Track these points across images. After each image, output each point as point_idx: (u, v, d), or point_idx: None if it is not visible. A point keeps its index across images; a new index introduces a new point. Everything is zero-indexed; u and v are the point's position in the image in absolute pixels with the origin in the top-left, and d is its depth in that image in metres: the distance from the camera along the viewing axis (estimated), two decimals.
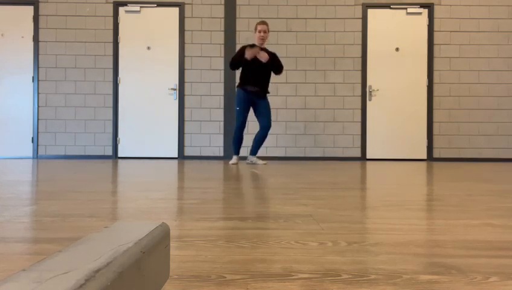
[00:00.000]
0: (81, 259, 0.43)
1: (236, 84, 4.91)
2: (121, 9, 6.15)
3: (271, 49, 6.08)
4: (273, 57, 4.68)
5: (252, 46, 4.57)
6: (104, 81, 6.11)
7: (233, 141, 4.76)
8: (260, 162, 4.79)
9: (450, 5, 6.13)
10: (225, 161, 5.54)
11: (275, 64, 4.66)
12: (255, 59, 4.59)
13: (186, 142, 6.10)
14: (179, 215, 1.38)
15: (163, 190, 2.11)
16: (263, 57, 4.47)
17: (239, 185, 2.39)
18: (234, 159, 4.77)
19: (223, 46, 6.10)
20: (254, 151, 4.78)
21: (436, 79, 6.14)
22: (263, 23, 4.63)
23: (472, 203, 1.71)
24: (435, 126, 6.14)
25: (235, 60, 4.55)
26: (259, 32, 4.59)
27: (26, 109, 6.14)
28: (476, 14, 6.14)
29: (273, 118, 6.13)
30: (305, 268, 0.81)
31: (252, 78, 4.62)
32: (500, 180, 2.81)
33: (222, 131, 6.10)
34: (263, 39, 4.64)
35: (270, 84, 6.11)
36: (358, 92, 6.12)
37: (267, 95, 5.08)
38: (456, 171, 3.84)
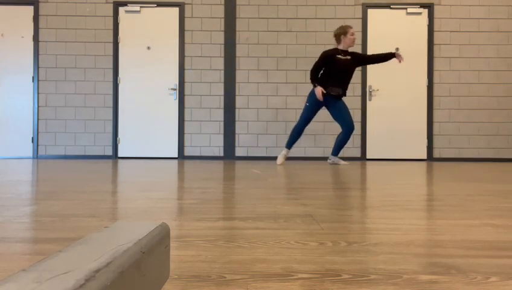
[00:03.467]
0: (81, 259, 0.43)
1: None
2: (121, 9, 6.15)
3: (273, 49, 6.09)
4: (359, 55, 4.64)
5: (336, 50, 4.56)
6: (104, 81, 6.11)
7: (293, 134, 4.67)
8: (342, 162, 4.77)
9: (450, 5, 6.13)
10: (225, 161, 5.54)
11: (378, 60, 4.64)
12: (342, 61, 4.54)
13: (186, 142, 6.10)
14: (179, 215, 1.38)
15: (163, 190, 2.11)
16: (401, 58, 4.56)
17: (239, 185, 2.39)
18: (285, 151, 4.73)
19: (223, 46, 6.10)
20: (336, 152, 4.74)
21: (436, 79, 6.14)
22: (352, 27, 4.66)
23: (472, 203, 1.71)
24: (435, 126, 6.14)
25: (317, 67, 4.53)
26: (352, 35, 4.57)
27: (26, 109, 6.14)
28: (476, 14, 6.14)
29: (273, 118, 6.13)
30: (305, 268, 0.81)
31: (337, 80, 4.57)
32: (500, 180, 2.81)
33: (222, 131, 6.10)
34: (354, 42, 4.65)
35: (269, 83, 6.12)
36: (358, 92, 6.12)
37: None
38: (456, 171, 3.84)
